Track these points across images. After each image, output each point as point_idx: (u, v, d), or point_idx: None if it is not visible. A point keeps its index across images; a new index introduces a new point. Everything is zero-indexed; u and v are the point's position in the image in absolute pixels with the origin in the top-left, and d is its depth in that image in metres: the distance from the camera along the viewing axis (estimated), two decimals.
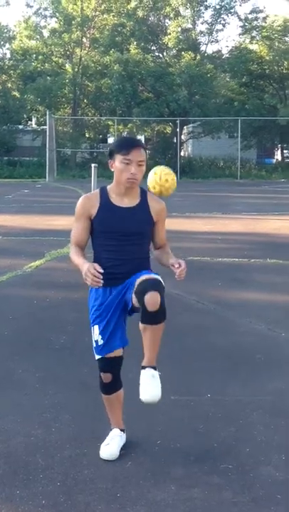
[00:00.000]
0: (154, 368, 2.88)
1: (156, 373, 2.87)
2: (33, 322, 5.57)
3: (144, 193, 3.10)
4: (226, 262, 8.45)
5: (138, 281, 2.84)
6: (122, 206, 3.04)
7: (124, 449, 3.18)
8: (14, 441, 3.28)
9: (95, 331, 3.11)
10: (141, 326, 2.81)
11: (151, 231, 3.13)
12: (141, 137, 38.19)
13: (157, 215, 3.09)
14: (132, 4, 31.96)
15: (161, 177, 3.07)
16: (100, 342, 3.09)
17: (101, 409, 3.50)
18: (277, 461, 3.11)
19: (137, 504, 2.72)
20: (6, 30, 34.51)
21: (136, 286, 2.84)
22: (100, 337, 3.08)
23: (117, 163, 2.99)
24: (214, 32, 33.50)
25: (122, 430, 3.23)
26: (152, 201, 3.09)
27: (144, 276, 2.85)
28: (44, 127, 31.04)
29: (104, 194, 3.09)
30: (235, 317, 5.76)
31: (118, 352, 3.09)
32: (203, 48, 33.82)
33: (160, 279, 2.86)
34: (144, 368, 2.88)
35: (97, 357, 3.12)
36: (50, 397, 3.86)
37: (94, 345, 3.13)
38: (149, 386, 2.83)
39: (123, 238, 3.01)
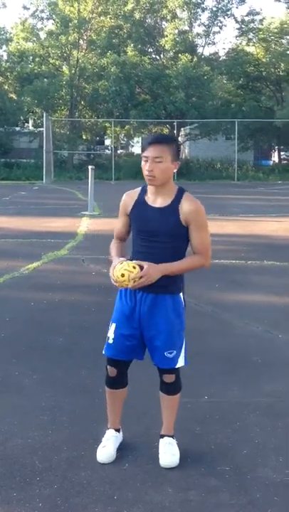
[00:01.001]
0: (172, 437, 3.19)
1: (173, 441, 3.17)
2: (31, 324, 5.56)
3: (180, 192, 2.98)
4: (223, 263, 8.45)
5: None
6: (154, 206, 2.98)
7: (121, 450, 3.18)
8: (11, 444, 3.27)
9: (111, 328, 3.12)
10: (160, 393, 3.19)
11: (187, 234, 2.97)
12: (138, 139, 38.26)
13: (186, 216, 2.92)
14: (129, 6, 32.00)
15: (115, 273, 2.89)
16: (110, 341, 3.10)
17: (98, 412, 3.50)
18: (274, 463, 3.11)
19: (134, 506, 2.71)
20: (2, 32, 34.51)
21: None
22: (112, 336, 3.09)
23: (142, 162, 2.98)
24: (211, 34, 33.62)
25: (117, 430, 3.23)
26: (185, 202, 2.94)
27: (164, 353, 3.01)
28: (41, 129, 31.04)
29: (142, 192, 3.06)
30: (232, 319, 5.76)
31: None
32: (200, 50, 33.95)
33: (182, 360, 3.06)
34: (162, 436, 3.20)
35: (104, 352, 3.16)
36: (47, 400, 3.85)
37: (106, 339, 3.14)
38: (167, 454, 3.09)
39: (152, 239, 2.96)
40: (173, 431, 3.21)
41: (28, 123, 39.78)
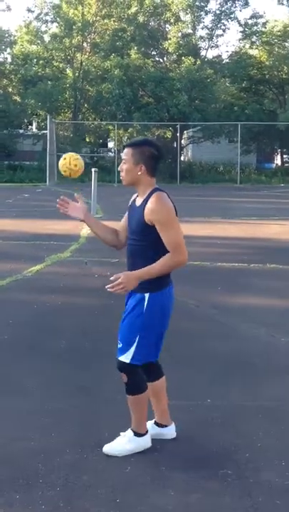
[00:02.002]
0: (130, 430, 3.24)
1: (123, 434, 3.25)
2: (33, 326, 5.57)
3: (151, 193, 3.08)
4: (226, 266, 8.45)
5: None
6: (135, 205, 3.17)
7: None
8: (14, 446, 3.28)
9: None
10: None
11: (157, 234, 3.03)
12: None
13: (147, 216, 3.03)
14: (133, 9, 32.04)
15: (70, 162, 3.23)
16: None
17: (101, 415, 3.51)
18: (276, 466, 3.11)
19: (136, 509, 2.72)
20: (7, 35, 34.61)
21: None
22: None
23: None
24: (214, 37, 33.62)
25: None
26: (149, 202, 3.05)
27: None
28: (45, 132, 31.10)
29: (136, 195, 3.25)
30: (234, 322, 5.76)
31: None
32: (203, 53, 33.94)
33: (127, 357, 3.09)
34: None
35: None
36: (49, 402, 3.86)
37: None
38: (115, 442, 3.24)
39: (130, 237, 3.18)
40: (134, 425, 3.23)
41: (31, 125, 39.85)
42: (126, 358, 3.11)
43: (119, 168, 3.17)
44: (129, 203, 3.27)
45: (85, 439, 3.36)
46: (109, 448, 3.21)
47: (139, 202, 3.15)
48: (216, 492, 2.86)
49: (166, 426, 3.37)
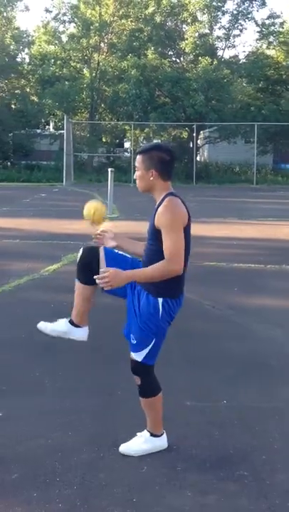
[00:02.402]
0: (146, 430, 3.27)
1: (140, 434, 3.27)
2: None
3: (164, 197, 3.07)
4: (242, 267, 8.43)
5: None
6: (155, 209, 3.15)
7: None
8: (31, 444, 3.31)
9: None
10: None
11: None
12: (157, 142, 38.29)
13: (156, 220, 3.03)
14: (150, 9, 32.04)
15: (93, 214, 3.36)
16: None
17: (118, 414, 3.53)
18: None
19: (152, 510, 2.73)
20: (25, 35, 34.82)
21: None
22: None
23: None
24: (231, 37, 33.48)
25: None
26: (160, 207, 3.05)
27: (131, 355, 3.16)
28: (61, 131, 31.24)
29: None
30: (251, 323, 5.75)
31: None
32: (220, 53, 33.84)
33: (140, 355, 3.11)
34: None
35: None
36: (67, 401, 3.88)
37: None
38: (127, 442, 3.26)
39: (147, 240, 3.18)
40: (150, 427, 3.25)
41: (48, 125, 40.05)
42: (139, 356, 3.12)
43: (134, 176, 3.21)
44: None
45: (102, 438, 3.38)
46: (125, 448, 3.22)
47: (156, 206, 3.15)
48: (232, 493, 2.86)
49: (159, 435, 3.30)
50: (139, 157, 3.14)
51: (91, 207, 3.36)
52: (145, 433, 3.25)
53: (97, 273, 3.03)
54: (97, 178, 28.82)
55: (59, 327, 3.31)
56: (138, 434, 3.28)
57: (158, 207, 3.06)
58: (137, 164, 3.15)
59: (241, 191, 24.52)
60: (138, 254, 3.29)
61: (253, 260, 8.88)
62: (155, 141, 38.03)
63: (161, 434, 3.27)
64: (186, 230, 3.04)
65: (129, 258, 3.23)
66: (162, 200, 3.07)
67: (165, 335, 3.18)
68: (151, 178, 3.10)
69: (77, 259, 3.27)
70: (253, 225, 13.16)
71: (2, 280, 7.29)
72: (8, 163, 32.53)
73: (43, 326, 3.35)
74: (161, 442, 3.25)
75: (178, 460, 3.16)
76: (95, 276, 3.01)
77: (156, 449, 3.22)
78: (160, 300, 3.07)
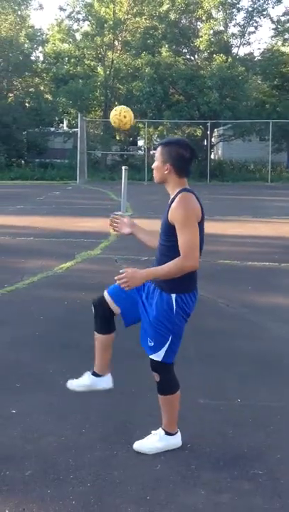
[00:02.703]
0: (160, 428, 3.25)
1: (155, 432, 3.27)
2: (64, 323, 5.62)
3: (178, 193, 3.06)
4: (256, 265, 8.39)
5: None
6: (168, 205, 3.14)
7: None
8: (45, 441, 3.32)
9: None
10: None
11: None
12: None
13: (170, 216, 3.03)
14: (164, 7, 31.96)
15: (120, 113, 3.44)
16: None
17: (131, 412, 3.52)
18: None
19: (166, 508, 2.72)
20: (39, 34, 34.89)
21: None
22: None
23: None
24: (246, 34, 33.32)
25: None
26: (174, 202, 3.04)
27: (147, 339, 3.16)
28: (75, 130, 31.29)
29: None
30: (265, 322, 5.72)
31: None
32: (235, 50, 33.70)
33: (158, 356, 3.11)
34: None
35: None
36: (80, 398, 3.88)
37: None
38: (141, 440, 3.27)
39: (160, 235, 3.18)
40: (165, 425, 3.24)
41: (62, 123, 40.12)
42: (158, 356, 3.12)
43: (152, 166, 3.22)
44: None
45: (116, 436, 3.38)
46: (139, 445, 3.22)
47: (169, 202, 3.15)
48: (246, 492, 2.85)
49: (173, 434, 3.29)
50: (159, 148, 3.16)
51: (116, 108, 3.48)
52: (160, 431, 3.25)
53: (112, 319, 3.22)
54: (111, 176, 28.83)
55: (84, 382, 3.44)
56: (153, 432, 3.27)
57: (171, 202, 3.06)
58: (156, 154, 3.17)
59: (256, 189, 24.41)
60: (151, 247, 3.31)
61: (267, 258, 8.84)
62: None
63: (176, 433, 3.26)
64: (200, 225, 3.04)
65: (137, 296, 3.22)
66: (176, 195, 3.07)
67: (182, 332, 3.17)
68: (166, 172, 3.12)
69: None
70: (267, 223, 13.09)
71: (16, 278, 7.32)
72: (22, 162, 32.64)
73: (70, 384, 3.50)
74: (176, 441, 3.25)
75: (192, 458, 3.15)
76: (116, 277, 3.07)
77: (170, 447, 3.22)
78: (173, 296, 3.07)
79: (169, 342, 3.10)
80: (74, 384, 3.47)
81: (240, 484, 2.91)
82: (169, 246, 3.05)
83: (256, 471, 3.04)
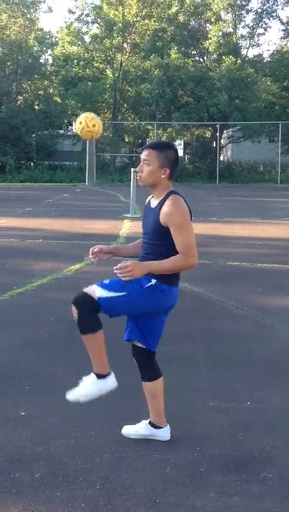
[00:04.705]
0: (96, 374, 3.23)
1: (87, 377, 3.27)
2: (73, 325, 5.57)
3: (167, 195, 3.11)
4: (266, 267, 8.36)
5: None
6: (150, 207, 3.22)
7: (162, 453, 3.17)
8: (54, 443, 3.31)
9: None
10: None
11: (169, 235, 3.07)
12: (180, 141, 38.23)
13: (162, 218, 3.07)
14: (173, 9, 32.02)
15: (88, 124, 3.27)
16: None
17: (141, 413, 3.51)
18: None
19: (175, 510, 2.70)
20: (48, 37, 35.03)
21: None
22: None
23: None
24: (255, 36, 33.36)
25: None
26: (164, 204, 3.08)
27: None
28: None
29: (152, 196, 3.27)
30: (275, 324, 5.69)
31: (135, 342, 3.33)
32: (244, 52, 33.68)
33: (101, 291, 3.10)
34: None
35: None
36: (89, 401, 3.87)
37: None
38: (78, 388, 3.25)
39: (144, 237, 3.23)
40: (95, 369, 3.25)
41: (71, 126, 40.22)
42: (99, 292, 3.08)
43: (137, 169, 3.16)
44: (145, 204, 3.31)
45: (124, 438, 3.37)
46: (73, 394, 3.22)
47: (154, 203, 3.18)
48: (256, 495, 2.83)
49: (160, 427, 3.33)
50: (152, 152, 3.11)
51: (80, 120, 3.33)
52: (92, 376, 3.24)
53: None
54: (120, 178, 28.88)
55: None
56: (84, 378, 3.27)
57: (160, 204, 3.10)
58: (147, 158, 3.11)
59: (265, 191, 24.34)
60: (135, 256, 3.35)
61: (277, 260, 8.80)
62: (178, 141, 38.03)
63: (108, 374, 3.22)
64: None
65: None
66: (165, 198, 3.11)
67: (142, 314, 3.17)
68: (163, 176, 3.13)
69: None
70: (277, 225, 13.04)
71: (25, 280, 7.33)
72: (32, 164, 32.76)
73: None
74: (111, 381, 3.22)
75: (201, 461, 3.13)
76: (114, 267, 3.02)
77: (106, 390, 3.22)
78: (153, 280, 3.08)
79: (118, 294, 3.05)
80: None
81: (250, 487, 2.89)
82: (157, 245, 3.12)
83: (266, 473, 3.01)
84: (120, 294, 3.07)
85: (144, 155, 3.13)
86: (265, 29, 34.30)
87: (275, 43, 53.97)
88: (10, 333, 5.34)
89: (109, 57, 34.04)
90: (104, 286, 3.11)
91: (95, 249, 3.35)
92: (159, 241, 3.11)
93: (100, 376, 3.19)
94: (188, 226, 3.08)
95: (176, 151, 3.19)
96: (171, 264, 3.05)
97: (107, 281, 3.13)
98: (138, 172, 3.16)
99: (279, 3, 32.54)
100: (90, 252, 3.36)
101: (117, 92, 32.98)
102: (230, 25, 32.66)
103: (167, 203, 3.07)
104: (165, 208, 3.06)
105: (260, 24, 32.77)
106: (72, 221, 13.30)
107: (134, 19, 33.33)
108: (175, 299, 3.20)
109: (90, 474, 2.99)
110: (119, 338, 3.46)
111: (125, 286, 3.06)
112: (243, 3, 31.87)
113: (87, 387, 3.21)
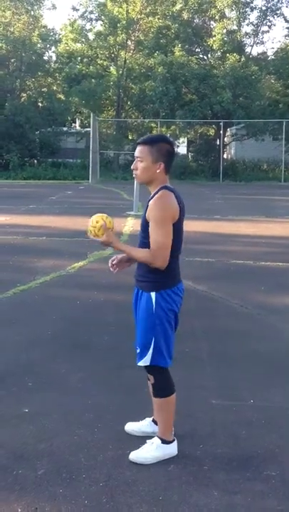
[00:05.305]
0: (156, 437, 3.17)
1: (150, 442, 3.17)
2: (76, 322, 5.62)
3: (158, 191, 3.02)
4: (270, 266, 8.35)
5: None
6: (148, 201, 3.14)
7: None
8: (58, 441, 3.31)
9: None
10: None
11: None
12: (184, 139, 38.18)
13: (148, 212, 3.00)
14: (177, 7, 31.93)
15: (96, 227, 3.04)
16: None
17: (143, 411, 3.51)
18: None
19: (179, 508, 2.71)
20: (52, 34, 34.99)
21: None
22: None
23: None
24: (260, 33, 33.23)
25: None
26: (152, 200, 3.01)
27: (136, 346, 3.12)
28: (88, 129, 31.34)
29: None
30: (278, 322, 5.69)
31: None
32: (248, 49, 33.59)
33: (145, 362, 3.07)
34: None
35: None
36: (92, 398, 3.88)
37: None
38: (137, 450, 3.16)
39: (138, 233, 3.17)
40: (161, 432, 3.17)
41: (75, 123, 40.23)
42: (145, 362, 3.08)
43: (132, 167, 3.09)
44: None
45: (128, 436, 3.37)
46: (135, 456, 3.12)
47: (149, 198, 3.11)
48: (259, 493, 2.83)
49: (170, 442, 3.23)
50: (144, 147, 3.02)
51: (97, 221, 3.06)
52: (156, 440, 3.16)
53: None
54: (123, 175, 28.85)
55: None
56: (148, 441, 3.20)
57: (150, 199, 3.03)
58: (140, 155, 3.02)
59: (269, 189, 24.30)
60: None
61: (281, 259, 8.79)
62: (182, 139, 38.01)
63: (172, 441, 3.17)
64: (177, 224, 3.01)
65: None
66: (156, 193, 3.02)
67: (169, 332, 3.08)
68: (158, 171, 3.02)
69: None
70: (280, 223, 13.02)
71: (29, 277, 7.34)
72: (35, 161, 32.75)
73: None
74: (171, 450, 3.15)
75: (204, 459, 3.13)
76: (110, 265, 3.18)
77: (166, 457, 3.12)
78: (153, 294, 3.04)
79: (152, 344, 3.04)
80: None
81: (253, 485, 2.89)
82: (147, 242, 3.02)
83: (269, 472, 3.01)
84: (152, 343, 3.05)
85: (136, 152, 3.05)
86: (270, 27, 34.16)
87: (280, 41, 54.13)
88: (13, 331, 5.35)
89: (113, 55, 33.99)
90: (140, 357, 3.09)
91: (114, 261, 3.24)
92: (147, 238, 3.02)
93: (165, 441, 3.16)
94: (166, 225, 2.94)
95: (169, 143, 3.08)
96: (140, 256, 3.02)
97: (138, 350, 3.11)
98: (133, 170, 3.08)
99: (283, 0, 32.45)
100: (110, 265, 3.23)
101: (121, 90, 32.94)
102: (235, 22, 32.55)
103: (154, 197, 2.99)
104: (151, 202, 2.99)
105: (264, 22, 32.64)
106: (75, 218, 13.30)
107: (138, 16, 33.27)
108: (180, 298, 3.16)
109: (93, 471, 3.00)
110: (119, 338, 3.46)
111: (146, 334, 3.05)
112: (248, 0, 31.78)
113: (150, 452, 3.13)
